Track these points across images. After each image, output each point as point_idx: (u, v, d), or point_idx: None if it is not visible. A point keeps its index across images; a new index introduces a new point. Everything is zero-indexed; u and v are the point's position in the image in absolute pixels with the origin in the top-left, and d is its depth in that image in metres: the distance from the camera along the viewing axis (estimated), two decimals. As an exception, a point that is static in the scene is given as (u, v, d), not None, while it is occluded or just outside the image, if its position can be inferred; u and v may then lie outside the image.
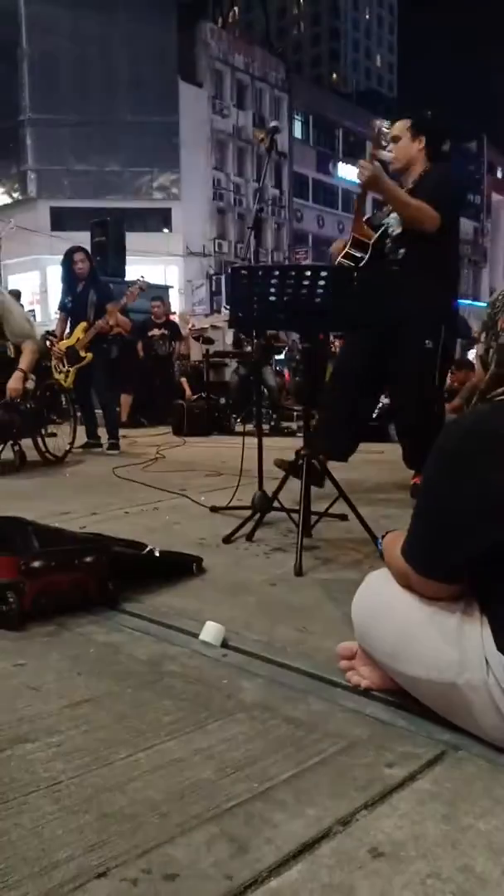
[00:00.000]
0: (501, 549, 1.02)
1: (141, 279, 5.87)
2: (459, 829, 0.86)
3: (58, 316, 5.64)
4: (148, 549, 1.97)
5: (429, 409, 2.96)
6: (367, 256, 2.97)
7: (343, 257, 3.00)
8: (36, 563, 1.59)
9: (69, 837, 0.82)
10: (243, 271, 2.29)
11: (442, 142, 3.08)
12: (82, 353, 5.24)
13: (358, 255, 2.98)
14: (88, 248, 7.41)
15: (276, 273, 2.21)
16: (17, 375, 4.12)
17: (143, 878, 0.75)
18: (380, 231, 3.03)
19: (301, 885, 0.76)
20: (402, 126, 3.05)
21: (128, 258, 10.20)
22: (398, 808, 0.90)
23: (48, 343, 5.18)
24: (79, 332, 5.28)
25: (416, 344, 2.89)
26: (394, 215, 3.00)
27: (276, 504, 2.45)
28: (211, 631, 1.50)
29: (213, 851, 0.80)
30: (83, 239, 8.97)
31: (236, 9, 31.88)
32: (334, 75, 63.18)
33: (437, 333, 2.90)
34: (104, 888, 0.74)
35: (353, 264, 2.94)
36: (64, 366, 5.27)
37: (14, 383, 4.07)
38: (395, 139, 3.01)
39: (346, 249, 3.01)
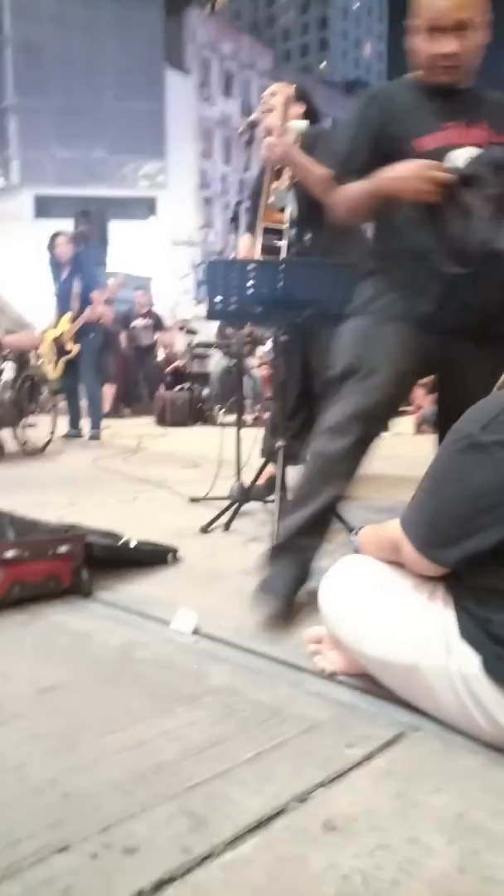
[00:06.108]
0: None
1: (121, 274, 5.87)
2: (411, 805, 0.90)
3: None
4: (124, 539, 1.99)
5: None
6: (285, 244, 2.59)
7: (263, 252, 2.61)
8: (10, 553, 1.61)
9: (32, 816, 0.85)
10: (220, 264, 2.31)
11: (316, 116, 2.80)
12: (69, 346, 5.22)
13: (277, 244, 2.59)
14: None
15: (253, 266, 2.23)
16: None
17: (103, 852, 0.78)
18: (287, 214, 2.63)
19: (255, 857, 0.79)
20: (283, 88, 2.71)
21: (112, 247, 10.15)
22: (354, 786, 0.94)
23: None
24: (64, 323, 5.25)
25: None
26: (290, 194, 2.61)
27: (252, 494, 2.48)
28: (183, 618, 1.53)
29: (172, 827, 0.84)
30: (67, 227, 8.92)
31: (224, -5, 31.47)
32: (323, 64, 62.83)
33: None
34: (65, 861, 0.77)
35: (275, 257, 2.56)
36: (52, 356, 5.26)
37: None
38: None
39: (263, 242, 2.62)
